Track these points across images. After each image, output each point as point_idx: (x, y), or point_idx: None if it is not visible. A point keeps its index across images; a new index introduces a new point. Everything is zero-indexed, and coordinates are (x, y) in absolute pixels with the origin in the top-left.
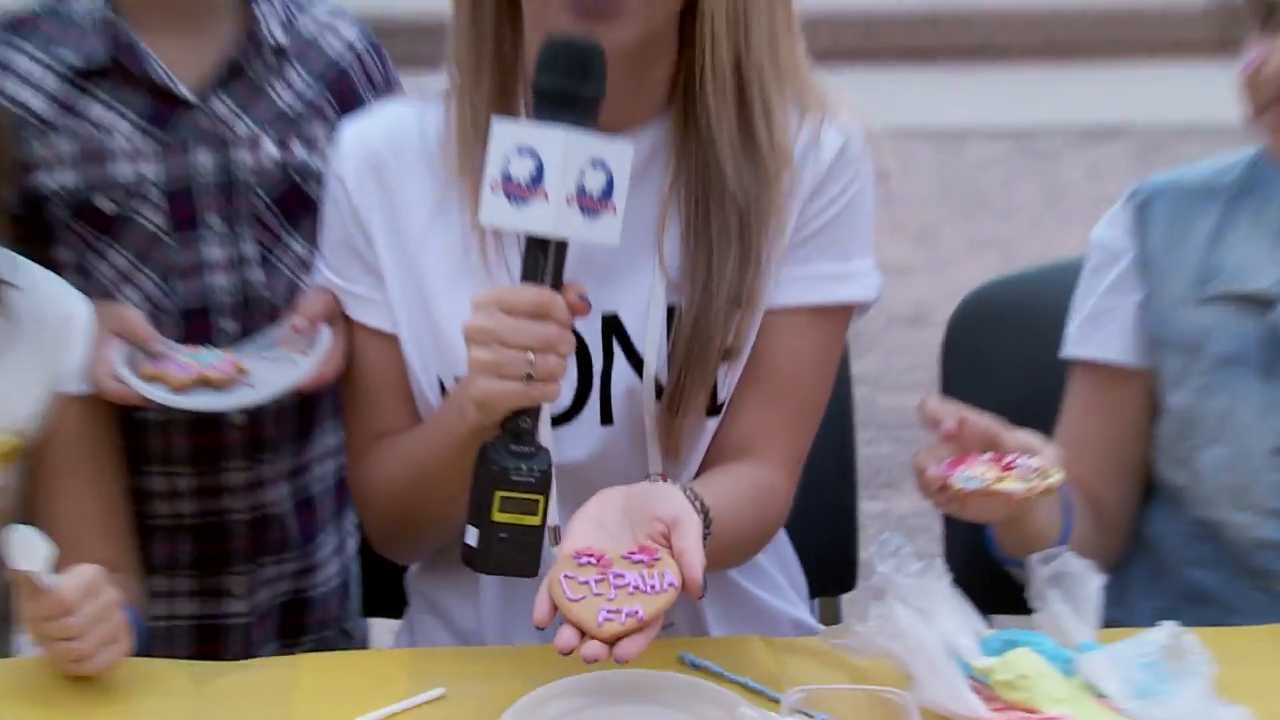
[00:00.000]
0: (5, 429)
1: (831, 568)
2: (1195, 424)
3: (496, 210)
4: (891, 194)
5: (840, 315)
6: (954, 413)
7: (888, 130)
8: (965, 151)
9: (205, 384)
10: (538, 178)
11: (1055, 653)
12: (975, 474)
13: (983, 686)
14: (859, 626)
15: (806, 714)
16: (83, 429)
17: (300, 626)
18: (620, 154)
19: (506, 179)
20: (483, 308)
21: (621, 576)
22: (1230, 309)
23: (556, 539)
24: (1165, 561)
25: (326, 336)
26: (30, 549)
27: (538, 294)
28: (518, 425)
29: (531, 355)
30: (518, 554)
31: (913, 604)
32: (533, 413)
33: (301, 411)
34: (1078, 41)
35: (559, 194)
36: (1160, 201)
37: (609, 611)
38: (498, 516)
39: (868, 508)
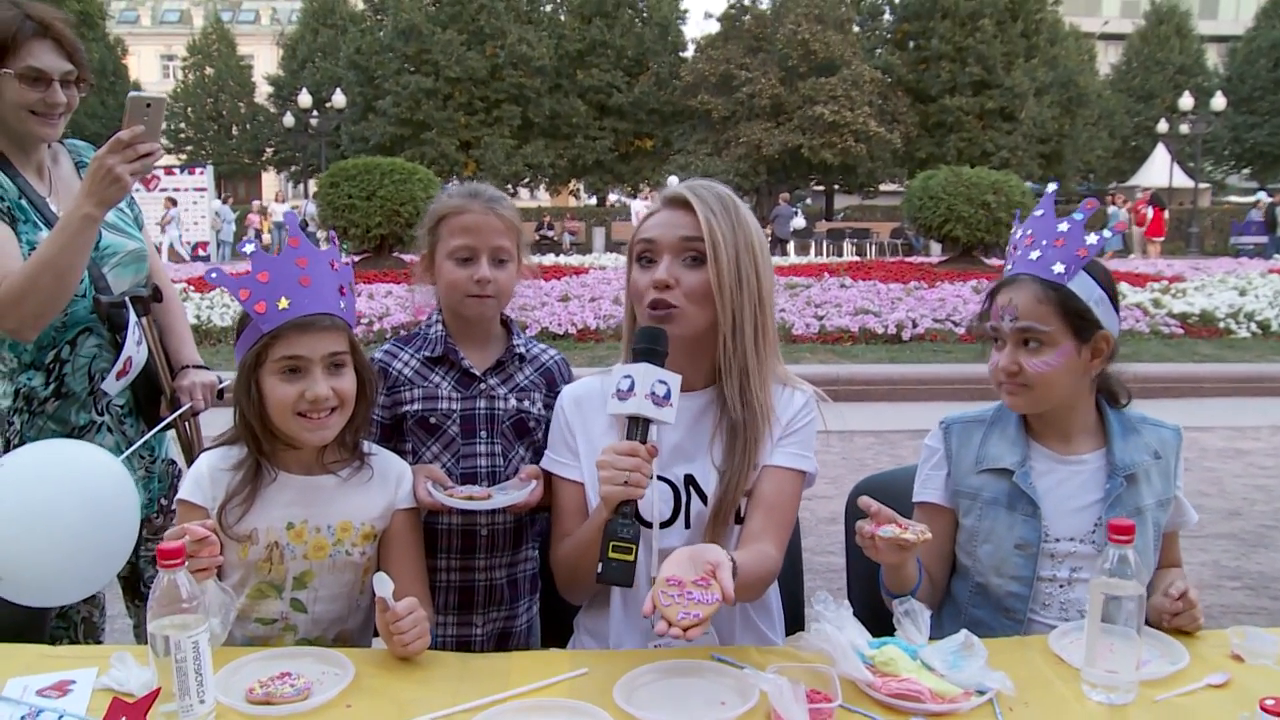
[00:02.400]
0: (368, 525)
1: (792, 620)
2: (976, 533)
3: (614, 405)
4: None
5: (800, 476)
6: (875, 504)
7: None
8: None
9: (470, 499)
10: (631, 388)
11: (908, 648)
12: (889, 530)
13: (870, 666)
14: (805, 636)
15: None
16: (407, 527)
17: (506, 645)
18: (674, 379)
19: (618, 389)
20: (605, 452)
21: (691, 594)
22: (991, 476)
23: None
24: (958, 605)
25: (534, 485)
26: (384, 585)
27: (631, 445)
28: (622, 510)
29: (628, 475)
30: (620, 575)
31: (832, 624)
32: (631, 504)
33: (516, 532)
34: None
35: (641, 394)
36: (956, 426)
37: (684, 612)
38: (611, 555)
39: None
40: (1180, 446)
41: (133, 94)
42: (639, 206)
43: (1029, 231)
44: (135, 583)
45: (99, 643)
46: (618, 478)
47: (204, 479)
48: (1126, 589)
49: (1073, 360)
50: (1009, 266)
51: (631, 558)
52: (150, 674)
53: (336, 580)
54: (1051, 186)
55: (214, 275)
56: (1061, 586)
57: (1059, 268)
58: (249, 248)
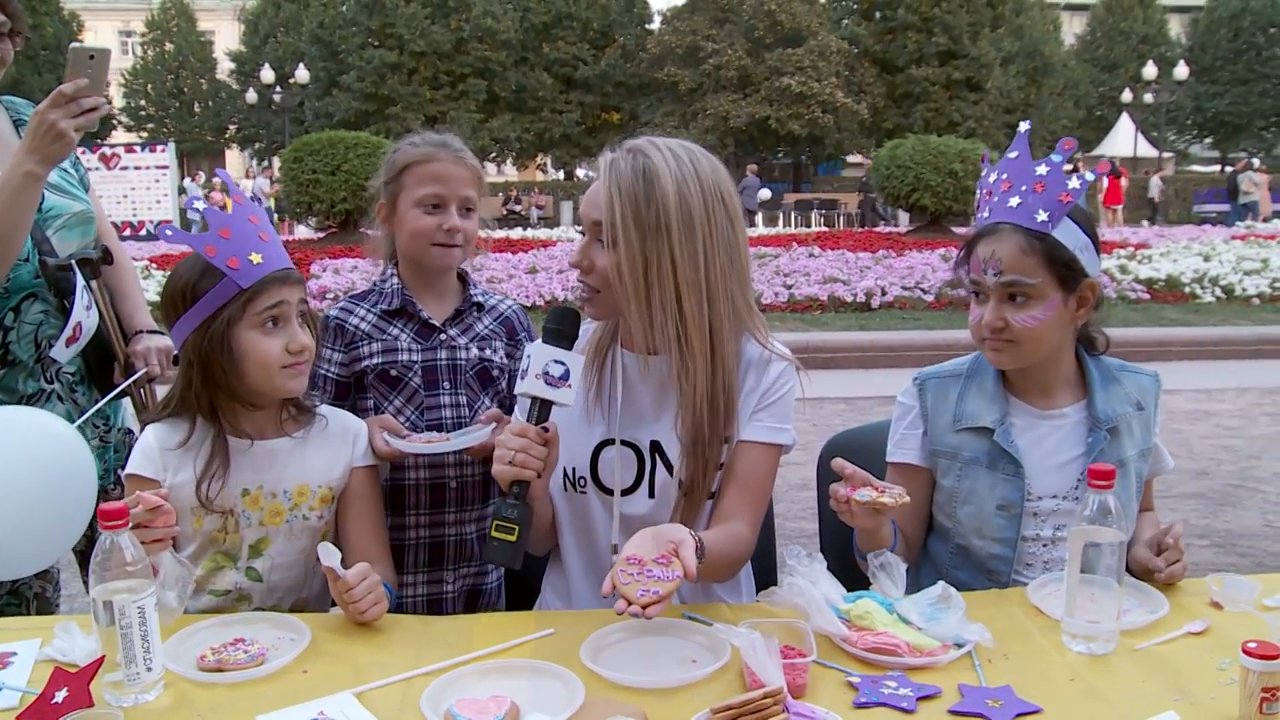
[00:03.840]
0: (325, 487)
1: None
2: (955, 494)
3: (517, 384)
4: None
5: (776, 450)
6: (850, 466)
7: None
8: None
9: (429, 443)
10: (528, 367)
11: (884, 602)
12: (865, 494)
13: (846, 620)
14: (778, 590)
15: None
16: (365, 486)
17: (476, 605)
18: (575, 359)
19: (521, 369)
20: (503, 433)
21: (651, 571)
22: (969, 435)
23: (615, 551)
24: (938, 566)
25: (491, 428)
26: (331, 554)
27: (522, 426)
28: (512, 490)
29: (514, 455)
30: (502, 555)
31: (806, 578)
32: (522, 484)
33: (485, 484)
34: None
35: (533, 374)
36: (930, 382)
37: (643, 590)
38: (493, 535)
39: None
40: (1159, 392)
41: (74, 45)
42: None
43: (1004, 175)
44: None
45: None
46: (505, 456)
47: (153, 451)
48: (1106, 536)
49: (1060, 312)
50: (985, 214)
51: (513, 538)
52: (95, 643)
53: (293, 547)
54: (1025, 126)
55: (169, 233)
56: (1045, 546)
57: (1042, 215)
58: (199, 204)
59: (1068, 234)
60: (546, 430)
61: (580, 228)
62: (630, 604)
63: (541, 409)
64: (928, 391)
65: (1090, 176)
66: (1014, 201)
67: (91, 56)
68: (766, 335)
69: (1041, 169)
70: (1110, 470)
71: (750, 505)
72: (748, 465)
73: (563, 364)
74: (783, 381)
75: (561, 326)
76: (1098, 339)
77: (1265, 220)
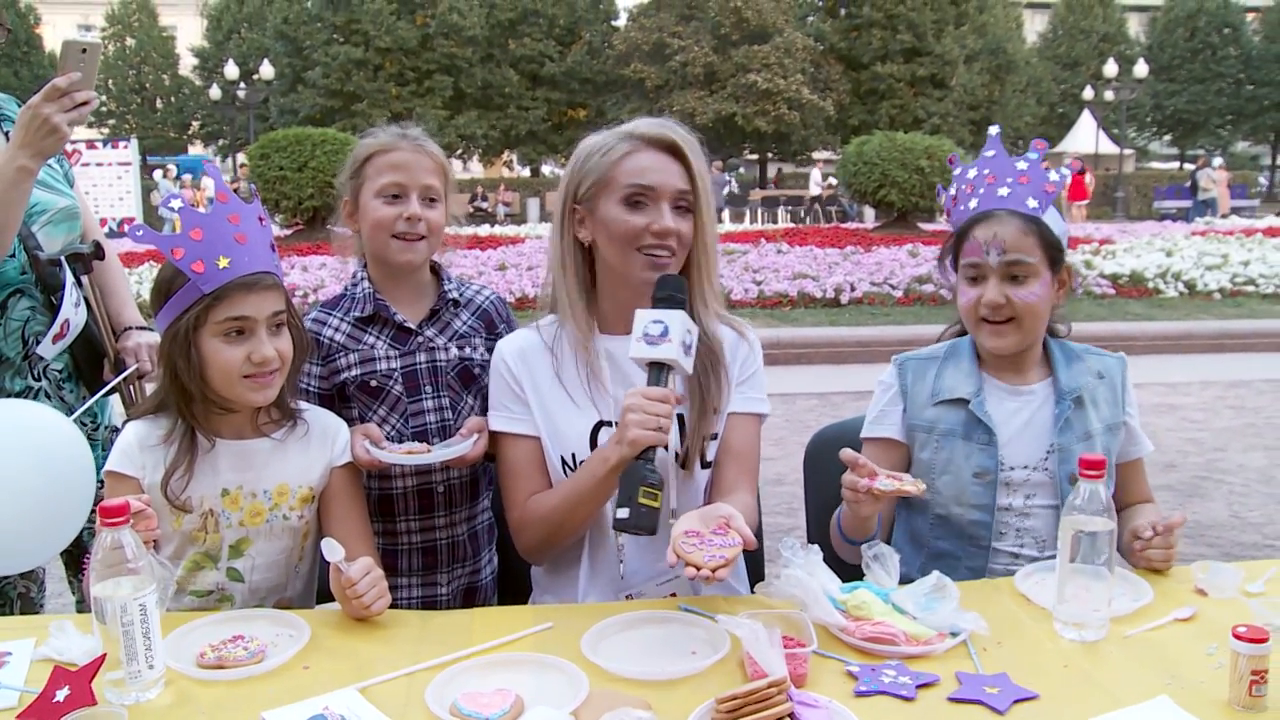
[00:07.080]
0: (305, 487)
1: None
2: (933, 466)
3: (643, 349)
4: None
5: (758, 418)
6: (859, 455)
7: None
8: None
9: (410, 454)
10: (665, 333)
11: (880, 591)
12: (888, 484)
13: (843, 611)
14: (775, 582)
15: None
16: (346, 483)
17: (473, 601)
18: (695, 328)
19: (646, 334)
20: (633, 395)
21: (712, 541)
22: (946, 408)
23: (675, 517)
24: (919, 538)
25: (472, 440)
26: (334, 549)
27: (664, 392)
28: (649, 454)
29: (661, 421)
30: (648, 521)
31: (802, 570)
32: (654, 450)
33: (472, 485)
34: None
35: (678, 340)
36: (910, 362)
37: (710, 555)
38: (642, 501)
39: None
40: (1125, 372)
41: (67, 39)
42: None
43: (986, 171)
44: (78, 556)
45: None
46: (650, 422)
47: (133, 449)
48: (1098, 525)
49: (1049, 291)
50: (971, 205)
51: (658, 504)
52: (93, 641)
53: (274, 547)
54: (994, 129)
55: (140, 233)
56: (1018, 515)
57: (1033, 202)
58: (175, 203)
59: (1053, 220)
60: (681, 398)
61: (642, 197)
62: (700, 569)
63: (666, 374)
64: (908, 371)
65: (1066, 172)
66: (1003, 191)
67: (84, 50)
68: (728, 317)
69: (1022, 164)
70: (1101, 460)
71: (749, 475)
72: (740, 437)
73: (691, 333)
74: (755, 354)
75: (678, 293)
76: (1059, 326)
77: (1224, 216)
